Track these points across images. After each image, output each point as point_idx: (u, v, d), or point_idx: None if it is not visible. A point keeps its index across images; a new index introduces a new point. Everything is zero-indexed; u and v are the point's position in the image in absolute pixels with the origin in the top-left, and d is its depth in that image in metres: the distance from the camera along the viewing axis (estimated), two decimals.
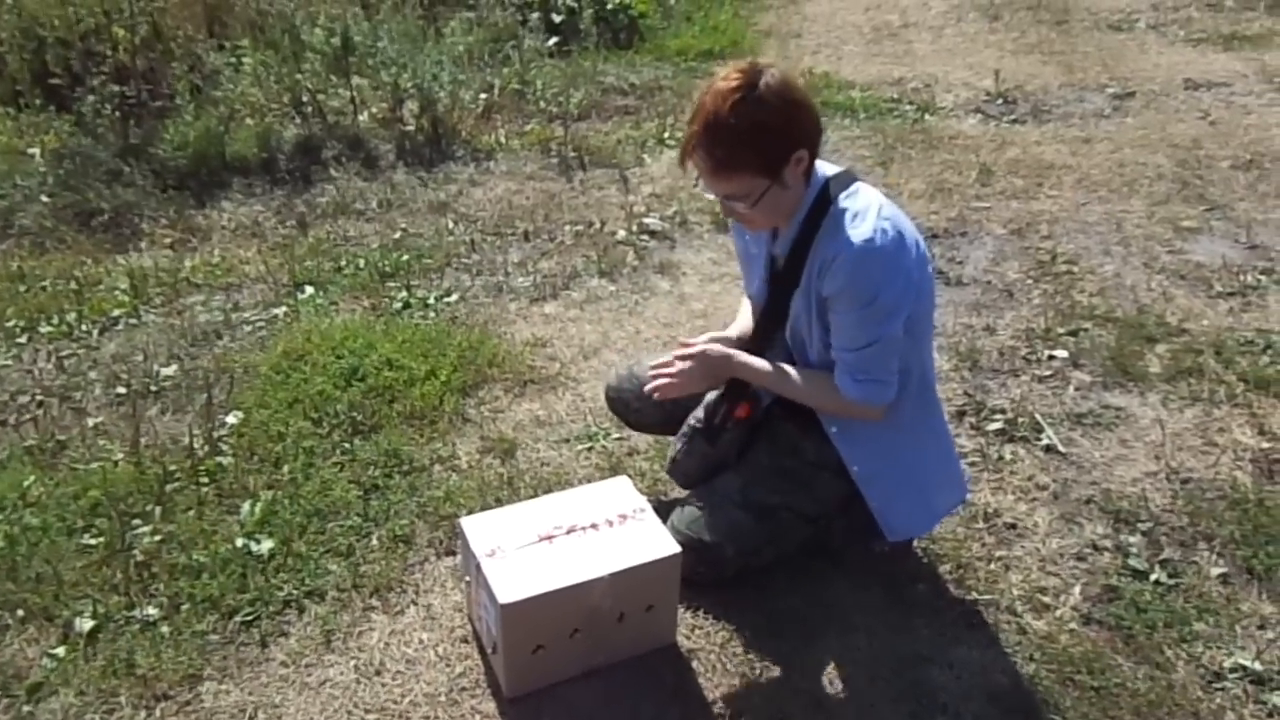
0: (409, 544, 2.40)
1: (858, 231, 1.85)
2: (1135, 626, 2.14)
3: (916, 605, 2.20)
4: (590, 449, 2.72)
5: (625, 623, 1.99)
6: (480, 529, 2.03)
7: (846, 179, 1.97)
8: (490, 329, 3.36)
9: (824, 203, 1.93)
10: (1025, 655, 2.08)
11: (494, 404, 2.94)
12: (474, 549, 1.97)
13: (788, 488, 2.14)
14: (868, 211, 1.88)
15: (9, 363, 3.35)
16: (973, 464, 2.62)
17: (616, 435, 2.76)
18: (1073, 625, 2.15)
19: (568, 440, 2.76)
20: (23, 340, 3.49)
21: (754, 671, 2.03)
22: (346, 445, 2.74)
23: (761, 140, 1.84)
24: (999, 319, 3.33)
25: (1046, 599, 2.22)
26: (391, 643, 2.14)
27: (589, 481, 2.56)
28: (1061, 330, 3.22)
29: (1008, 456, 2.65)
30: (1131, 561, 2.30)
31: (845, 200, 1.92)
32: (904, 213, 1.98)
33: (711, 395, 2.20)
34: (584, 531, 2.01)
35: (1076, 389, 2.93)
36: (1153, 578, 2.26)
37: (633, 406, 2.43)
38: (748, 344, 2.16)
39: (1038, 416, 2.79)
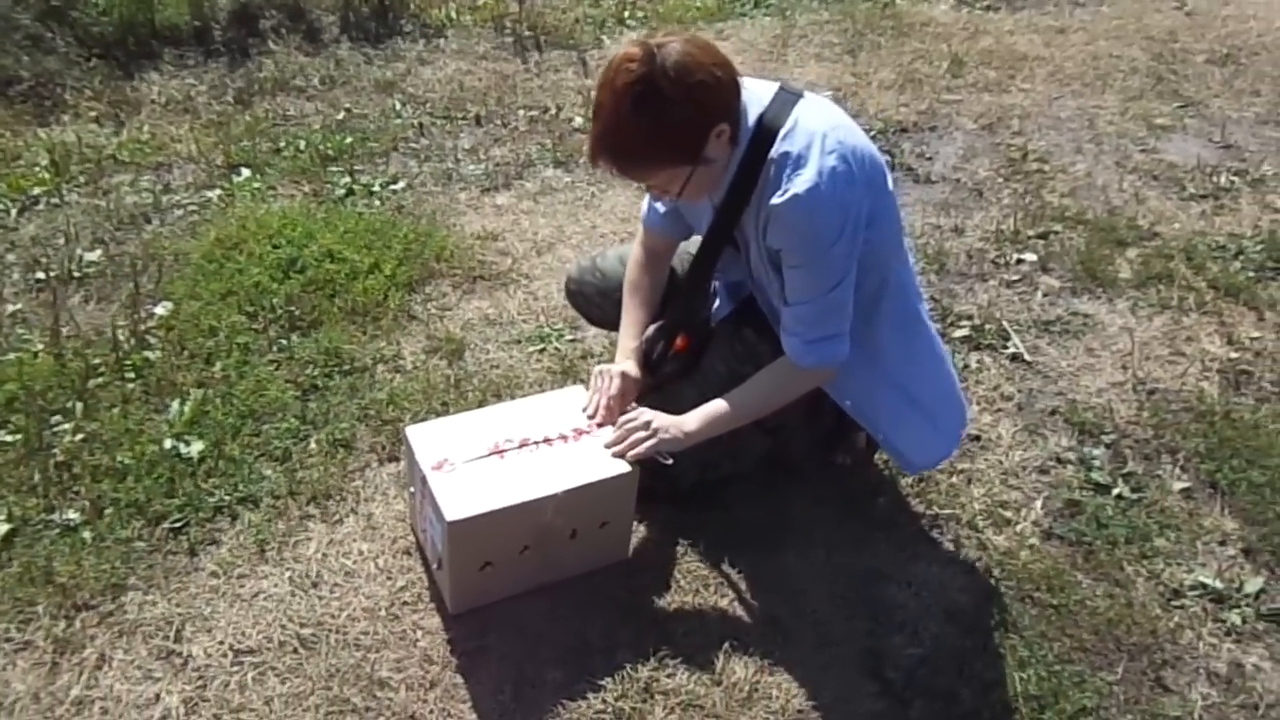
0: (349, 449, 2.28)
1: (801, 179, 1.67)
2: (1096, 542, 2.10)
3: (876, 520, 2.14)
4: (542, 350, 2.60)
5: (577, 539, 1.90)
6: (427, 439, 1.91)
7: (782, 110, 1.75)
8: (439, 220, 3.18)
9: (761, 146, 1.74)
10: (984, 572, 2.04)
11: (441, 301, 2.79)
12: (420, 461, 1.86)
13: None
14: (809, 151, 1.69)
15: None
16: None
17: (570, 337, 2.63)
18: (1033, 541, 2.10)
19: (519, 341, 2.63)
20: None
21: (709, 588, 1.97)
22: (283, 342, 2.59)
23: (670, 137, 1.66)
24: (968, 219, 3.22)
25: (1008, 514, 2.17)
26: (329, 553, 2.03)
27: (540, 385, 2.45)
28: (1031, 233, 3.12)
29: (973, 365, 2.57)
30: (1094, 475, 2.26)
31: (784, 143, 1.72)
32: (854, 122, 1.81)
33: (651, 329, 2.06)
34: (537, 446, 1.90)
35: (1045, 295, 2.85)
36: (1115, 492, 2.22)
37: (594, 302, 2.29)
38: (689, 278, 2.02)
39: (1005, 324, 2.71)
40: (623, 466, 1.87)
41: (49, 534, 2.07)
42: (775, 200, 1.71)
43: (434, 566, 1.94)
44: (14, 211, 3.27)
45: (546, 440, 1.92)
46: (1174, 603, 1.98)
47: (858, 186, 1.73)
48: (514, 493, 1.79)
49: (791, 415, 2.09)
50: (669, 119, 1.65)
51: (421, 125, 3.85)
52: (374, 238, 2.99)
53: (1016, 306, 2.80)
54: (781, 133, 1.73)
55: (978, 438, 2.35)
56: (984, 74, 4.29)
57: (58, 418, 2.37)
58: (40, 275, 2.92)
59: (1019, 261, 2.99)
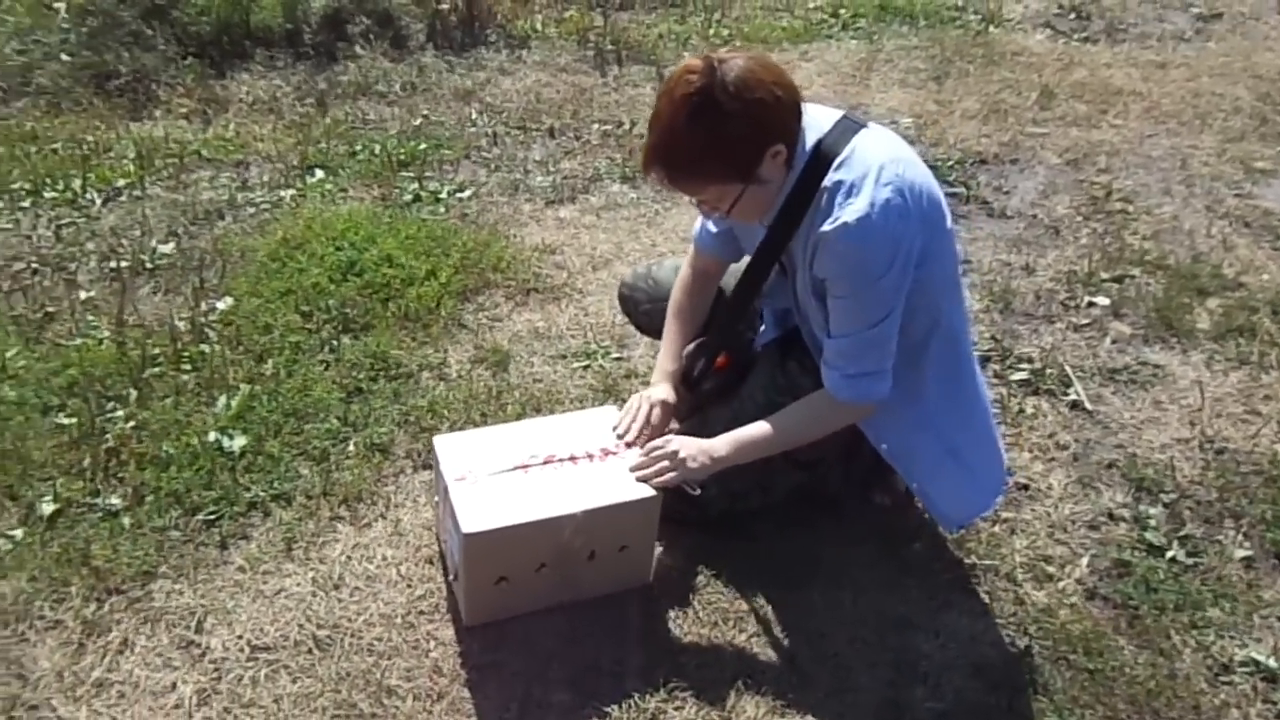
0: (386, 454, 2.30)
1: (852, 209, 1.63)
2: (1143, 607, 1.99)
3: (910, 565, 2.07)
4: (586, 367, 2.58)
5: (596, 561, 1.88)
6: (454, 450, 1.91)
7: (841, 138, 1.72)
8: (500, 230, 3.20)
9: (816, 172, 1.71)
10: (1019, 628, 1.95)
11: (493, 311, 2.80)
12: (444, 471, 1.86)
13: None
14: (864, 181, 1.65)
15: (8, 227, 3.25)
16: (992, 415, 2.45)
17: (615, 355, 2.62)
18: (1075, 600, 2.01)
19: (564, 356, 2.62)
20: (26, 204, 3.38)
21: (727, 621, 1.92)
22: (334, 343, 2.63)
23: (724, 151, 1.64)
24: (1040, 258, 3.11)
25: (1051, 569, 2.07)
26: (354, 556, 2.05)
27: (581, 402, 2.44)
28: (1106, 275, 3.00)
29: (1029, 410, 2.47)
30: (1148, 535, 2.14)
31: (838, 171, 1.68)
32: (915, 157, 1.75)
33: (692, 345, 2.06)
34: (562, 464, 1.89)
35: (1114, 341, 2.73)
36: (1169, 554, 2.10)
37: (642, 308, 2.31)
38: (734, 297, 2.00)
39: (1067, 369, 2.60)
40: (646, 491, 1.84)
41: (91, 517, 2.12)
42: (825, 228, 1.67)
43: (450, 578, 1.93)
44: (99, 202, 3.39)
45: (573, 459, 1.90)
46: (1222, 678, 1.87)
47: (912, 221, 1.68)
48: (533, 509, 1.78)
49: (828, 451, 2.04)
50: (724, 134, 1.63)
51: (495, 135, 3.89)
52: (434, 244, 3.02)
53: (1082, 352, 2.68)
54: (838, 160, 1.70)
55: (1026, 487, 2.26)
56: (1074, 107, 4.16)
57: (114, 404, 2.44)
58: (115, 265, 3.02)
59: (1090, 305, 2.87)
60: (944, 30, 4.98)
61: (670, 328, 2.12)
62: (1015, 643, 1.92)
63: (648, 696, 1.77)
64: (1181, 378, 2.60)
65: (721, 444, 1.87)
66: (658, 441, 1.89)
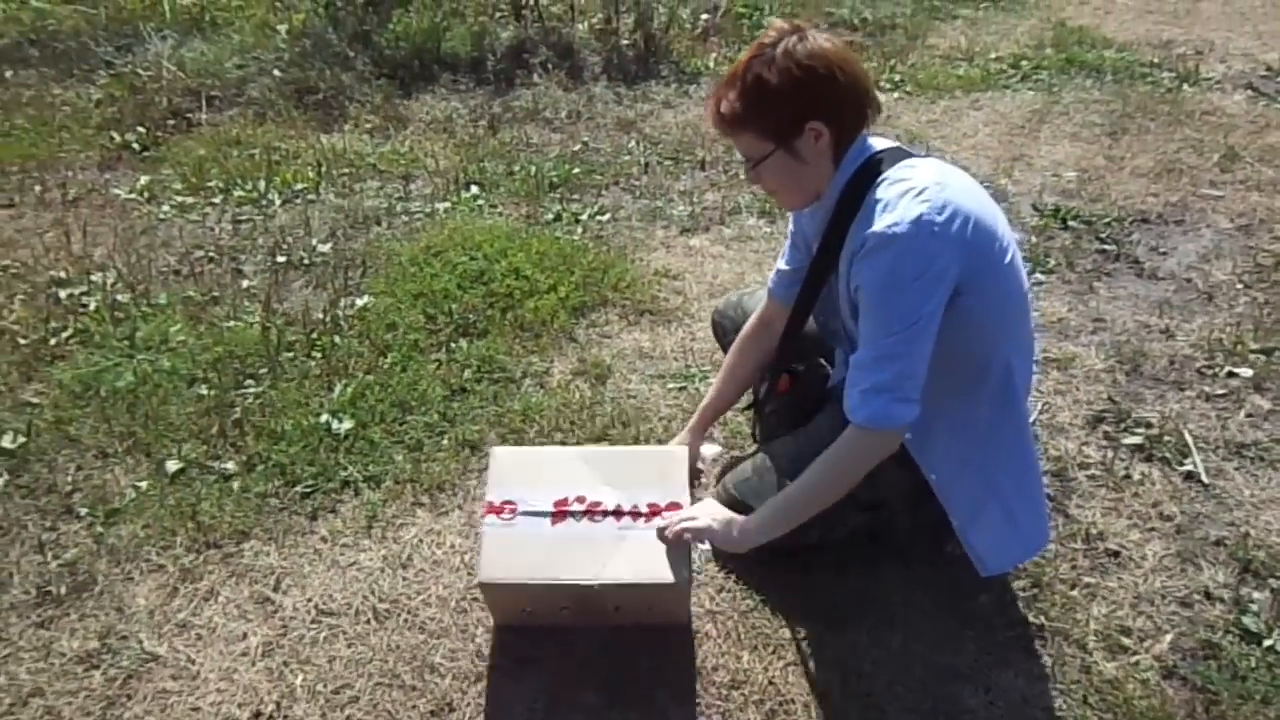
0: (475, 449, 2.41)
1: (884, 220, 1.63)
2: (1224, 693, 1.84)
3: (972, 618, 1.99)
4: (682, 389, 2.62)
5: (622, 613, 1.89)
6: (506, 467, 1.96)
7: (894, 158, 1.74)
8: (628, 253, 3.30)
9: (862, 182, 1.72)
10: (1078, 697, 1.84)
11: (604, 328, 2.89)
12: (489, 492, 1.91)
13: None
14: (901, 198, 1.64)
15: (197, 220, 3.62)
16: (1093, 477, 2.33)
17: (712, 379, 2.64)
18: (1149, 675, 1.88)
19: (662, 377, 2.68)
20: (216, 201, 3.76)
21: (767, 648, 1.91)
22: (451, 345, 2.78)
23: (764, 102, 1.70)
24: (1185, 323, 2.92)
25: (1128, 641, 1.95)
26: (425, 540, 2.16)
27: (667, 422, 2.48)
28: (1255, 346, 2.78)
29: (1136, 476, 2.33)
30: (1246, 620, 1.98)
31: (883, 187, 1.69)
32: (972, 188, 1.73)
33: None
34: (604, 518, 1.88)
35: (1249, 415, 2.53)
36: (1267, 643, 1.93)
37: (728, 336, 2.38)
38: (791, 315, 1.99)
39: (1188, 437, 2.43)
40: (671, 575, 1.80)
41: (206, 478, 2.34)
42: (860, 237, 1.69)
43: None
44: (278, 202, 3.72)
45: (617, 512, 1.89)
46: None
47: (945, 242, 1.64)
48: (550, 569, 1.79)
49: (891, 495, 2.00)
50: (767, 89, 1.69)
51: (647, 164, 4.01)
52: (560, 261, 3.14)
53: (1210, 423, 2.50)
54: (883, 177, 1.71)
55: (1116, 554, 2.14)
56: (1259, 171, 3.88)
57: (250, 381, 2.67)
58: (280, 259, 3.30)
59: (1230, 375, 2.67)
60: (1132, 85, 4.75)
61: (720, 378, 2.25)
62: (1071, 711, 1.81)
63: (674, 709, 1.79)
64: None
65: (753, 521, 1.87)
66: (686, 515, 1.90)
